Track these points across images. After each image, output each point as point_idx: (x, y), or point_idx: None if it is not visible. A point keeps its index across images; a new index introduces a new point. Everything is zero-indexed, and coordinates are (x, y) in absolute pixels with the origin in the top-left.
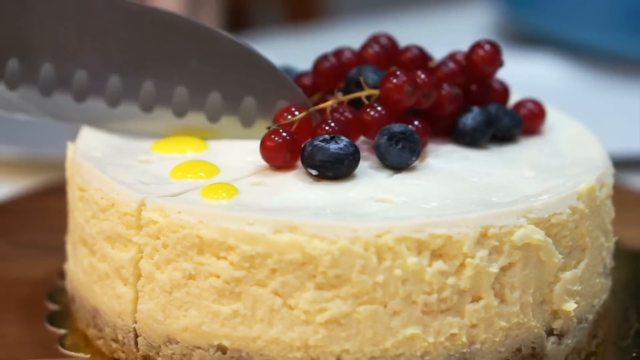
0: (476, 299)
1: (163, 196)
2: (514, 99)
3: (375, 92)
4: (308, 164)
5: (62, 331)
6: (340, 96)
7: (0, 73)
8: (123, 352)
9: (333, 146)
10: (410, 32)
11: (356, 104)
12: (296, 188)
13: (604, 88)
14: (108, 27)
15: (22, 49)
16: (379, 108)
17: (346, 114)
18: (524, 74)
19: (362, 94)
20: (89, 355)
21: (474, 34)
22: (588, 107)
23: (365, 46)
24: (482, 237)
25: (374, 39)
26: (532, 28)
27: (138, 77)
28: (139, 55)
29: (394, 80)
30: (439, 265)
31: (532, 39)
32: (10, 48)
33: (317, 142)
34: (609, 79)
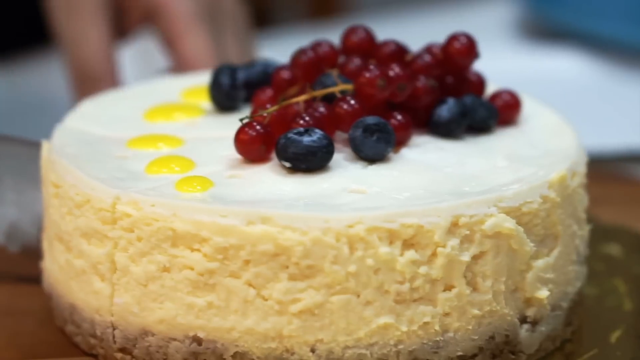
0: (448, 288)
1: (137, 191)
2: (493, 90)
3: (349, 86)
4: (281, 156)
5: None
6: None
7: None
8: (102, 347)
9: (306, 139)
10: (431, 28)
11: (329, 101)
12: (270, 180)
13: (627, 82)
14: None
15: None
16: (352, 101)
17: (320, 109)
18: (547, 69)
19: (336, 89)
20: None
21: (495, 30)
22: (611, 101)
23: (344, 41)
24: (453, 227)
25: (351, 32)
26: (555, 23)
27: None
28: None
29: (367, 75)
30: (410, 254)
31: (554, 33)
32: None
33: (291, 135)
34: (632, 73)
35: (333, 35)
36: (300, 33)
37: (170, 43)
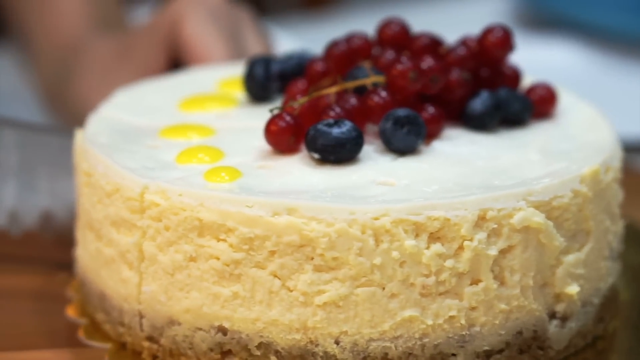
0: (475, 282)
1: (166, 180)
2: (529, 83)
3: (381, 78)
4: (311, 147)
5: (79, 320)
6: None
7: None
8: (130, 335)
9: (336, 130)
10: (425, 17)
11: (361, 93)
12: (299, 172)
13: (621, 72)
14: None
15: None
16: (383, 93)
17: (351, 100)
18: (541, 59)
19: (368, 81)
20: (109, 345)
21: (490, 19)
22: (605, 91)
23: (379, 33)
24: (481, 220)
25: (386, 25)
26: (550, 12)
27: None
28: None
29: (399, 67)
30: (436, 247)
31: (549, 23)
32: None
33: (321, 126)
34: (627, 63)
35: (327, 25)
36: (294, 22)
37: (183, 44)
